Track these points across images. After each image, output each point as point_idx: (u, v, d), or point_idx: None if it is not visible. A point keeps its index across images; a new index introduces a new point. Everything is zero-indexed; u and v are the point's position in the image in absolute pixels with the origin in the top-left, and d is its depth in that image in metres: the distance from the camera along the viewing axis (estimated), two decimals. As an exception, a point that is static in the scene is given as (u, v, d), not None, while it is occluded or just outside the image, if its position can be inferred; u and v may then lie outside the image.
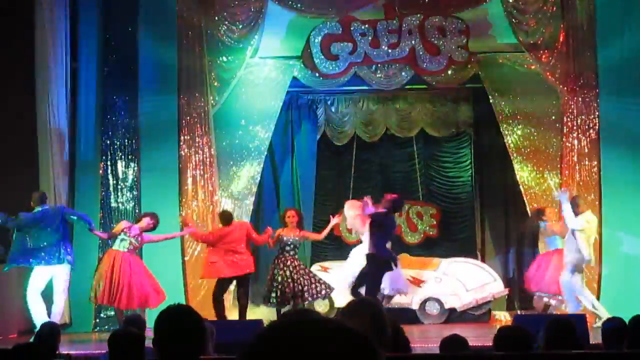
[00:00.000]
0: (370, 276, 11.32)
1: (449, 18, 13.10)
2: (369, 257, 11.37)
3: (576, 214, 11.22)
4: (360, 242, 12.34)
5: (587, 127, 12.76)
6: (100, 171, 12.70)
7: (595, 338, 7.78)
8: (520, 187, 12.99)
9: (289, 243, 11.57)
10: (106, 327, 11.79)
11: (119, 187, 12.70)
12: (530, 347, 4.69)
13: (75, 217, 11.38)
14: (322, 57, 13.12)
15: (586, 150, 12.73)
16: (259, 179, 13.19)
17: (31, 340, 7.52)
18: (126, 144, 12.78)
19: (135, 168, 12.76)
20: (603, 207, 12.37)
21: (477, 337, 10.42)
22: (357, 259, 11.98)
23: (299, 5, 13.14)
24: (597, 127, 12.71)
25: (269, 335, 1.50)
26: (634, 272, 12.04)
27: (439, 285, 12.59)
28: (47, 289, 11.00)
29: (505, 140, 13.13)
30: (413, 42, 13.07)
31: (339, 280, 12.18)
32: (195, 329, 3.53)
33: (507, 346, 4.70)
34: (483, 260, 13.89)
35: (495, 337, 4.90)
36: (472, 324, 12.04)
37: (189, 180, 12.77)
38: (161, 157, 12.73)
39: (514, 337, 4.77)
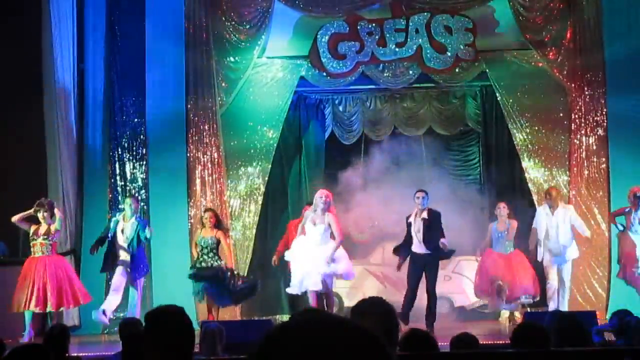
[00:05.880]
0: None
1: (456, 16, 13.09)
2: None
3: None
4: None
5: (595, 124, 12.75)
6: (109, 172, 12.72)
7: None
8: (529, 184, 12.96)
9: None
10: (115, 329, 11.79)
11: (128, 188, 12.72)
12: (548, 345, 4.67)
13: None
14: (330, 56, 13.12)
15: (594, 147, 12.71)
16: (267, 179, 13.19)
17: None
18: (134, 145, 12.80)
19: (144, 169, 12.78)
20: (612, 204, 12.35)
21: (487, 335, 10.45)
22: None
23: (305, 4, 13.14)
24: (605, 124, 12.70)
25: (279, 335, 1.49)
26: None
27: (448, 284, 12.56)
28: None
29: (514, 138, 13.11)
30: (420, 40, 13.06)
31: None
32: (181, 330, 3.49)
33: (526, 344, 4.67)
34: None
35: (513, 335, 4.86)
36: (482, 322, 12.02)
37: (197, 181, 12.78)
38: (169, 158, 12.73)
39: (532, 334, 4.74)
